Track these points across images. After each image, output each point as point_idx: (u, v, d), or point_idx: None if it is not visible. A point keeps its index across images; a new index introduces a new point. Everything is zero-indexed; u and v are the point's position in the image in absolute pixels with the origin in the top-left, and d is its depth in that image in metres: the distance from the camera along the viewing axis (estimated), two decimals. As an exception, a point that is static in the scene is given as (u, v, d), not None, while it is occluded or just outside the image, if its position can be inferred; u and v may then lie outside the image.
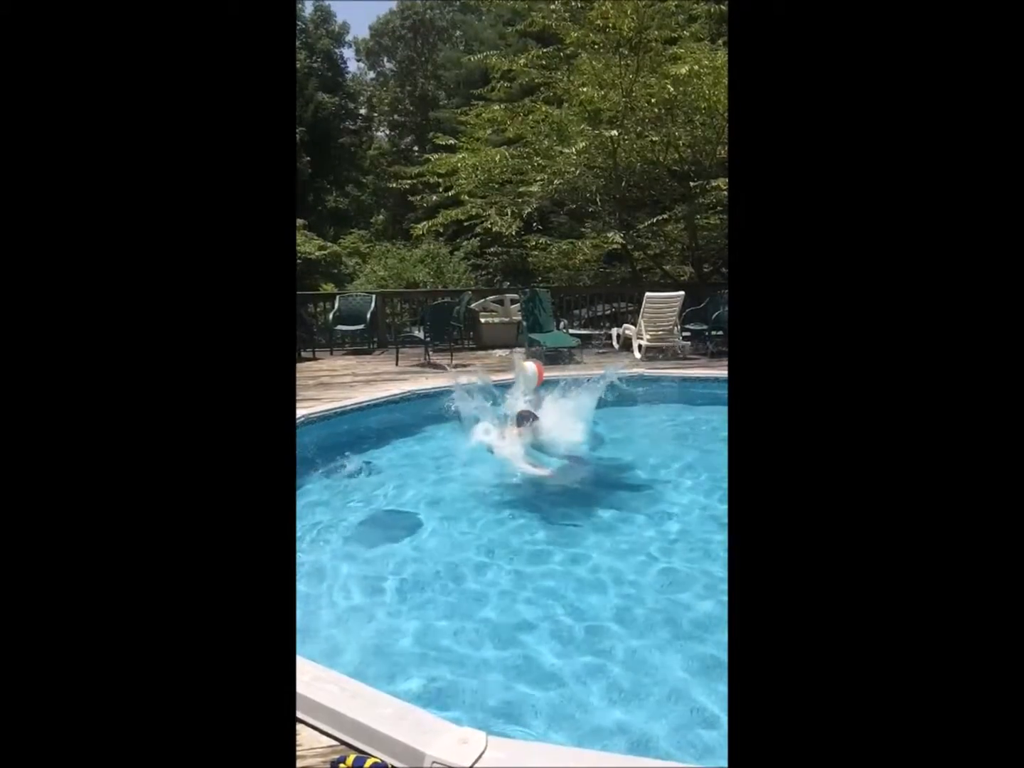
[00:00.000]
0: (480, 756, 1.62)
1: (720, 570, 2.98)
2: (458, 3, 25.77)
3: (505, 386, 4.93)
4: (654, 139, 10.13)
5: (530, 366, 4.89)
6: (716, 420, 5.17)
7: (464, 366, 7.79)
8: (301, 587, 2.74)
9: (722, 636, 2.49)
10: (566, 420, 4.31)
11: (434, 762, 1.62)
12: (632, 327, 8.46)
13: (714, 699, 2.16)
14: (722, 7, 10.80)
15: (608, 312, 10.47)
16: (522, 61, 10.75)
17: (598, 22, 9.42)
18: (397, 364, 7.89)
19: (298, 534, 3.27)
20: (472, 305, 9.33)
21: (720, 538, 3.28)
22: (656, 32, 9.53)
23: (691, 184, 10.59)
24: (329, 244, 17.46)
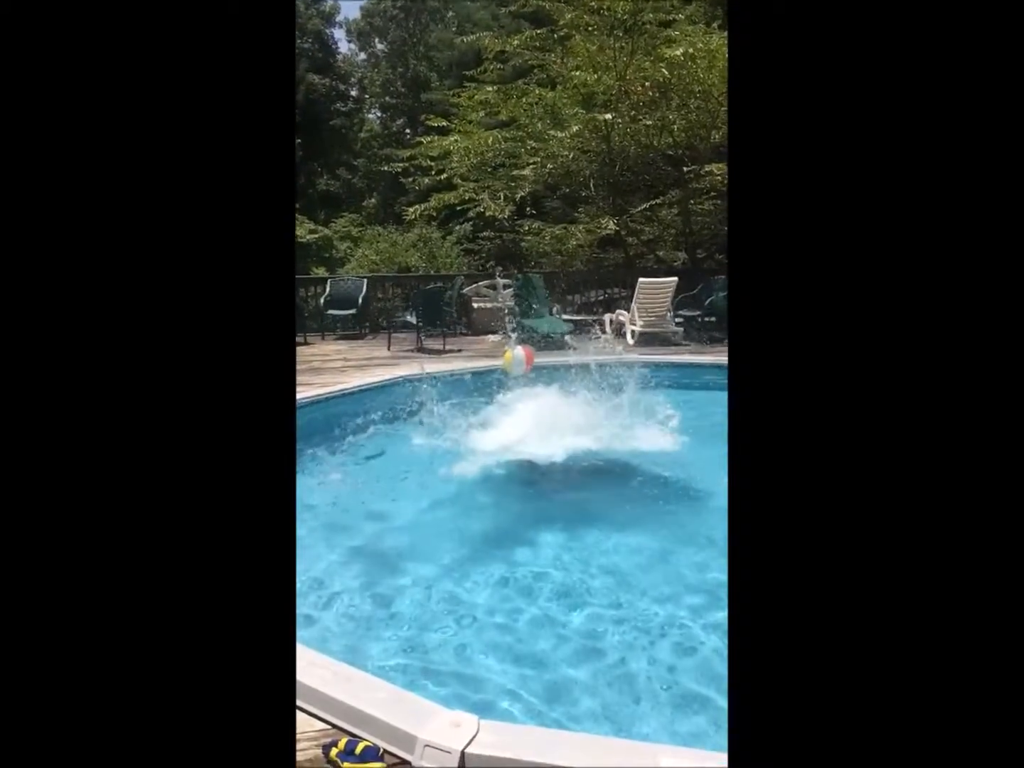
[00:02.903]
0: (472, 739, 1.62)
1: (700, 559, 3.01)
2: (451, -17, 25.46)
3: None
4: (648, 123, 10.06)
5: (519, 350, 4.88)
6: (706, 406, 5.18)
7: (456, 351, 7.77)
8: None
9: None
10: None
11: (426, 745, 1.62)
12: (625, 313, 8.44)
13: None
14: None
15: (601, 298, 10.45)
16: (515, 42, 10.63)
17: (592, 3, 9.32)
18: (389, 349, 7.86)
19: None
20: (464, 290, 9.30)
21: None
22: (651, 15, 9.44)
23: (685, 169, 10.55)
24: (320, 228, 17.30)
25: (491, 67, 11.63)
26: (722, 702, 2.06)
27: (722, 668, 2.23)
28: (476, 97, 11.38)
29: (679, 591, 2.76)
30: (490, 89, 11.17)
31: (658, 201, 11.12)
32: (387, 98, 26.18)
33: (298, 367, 6.53)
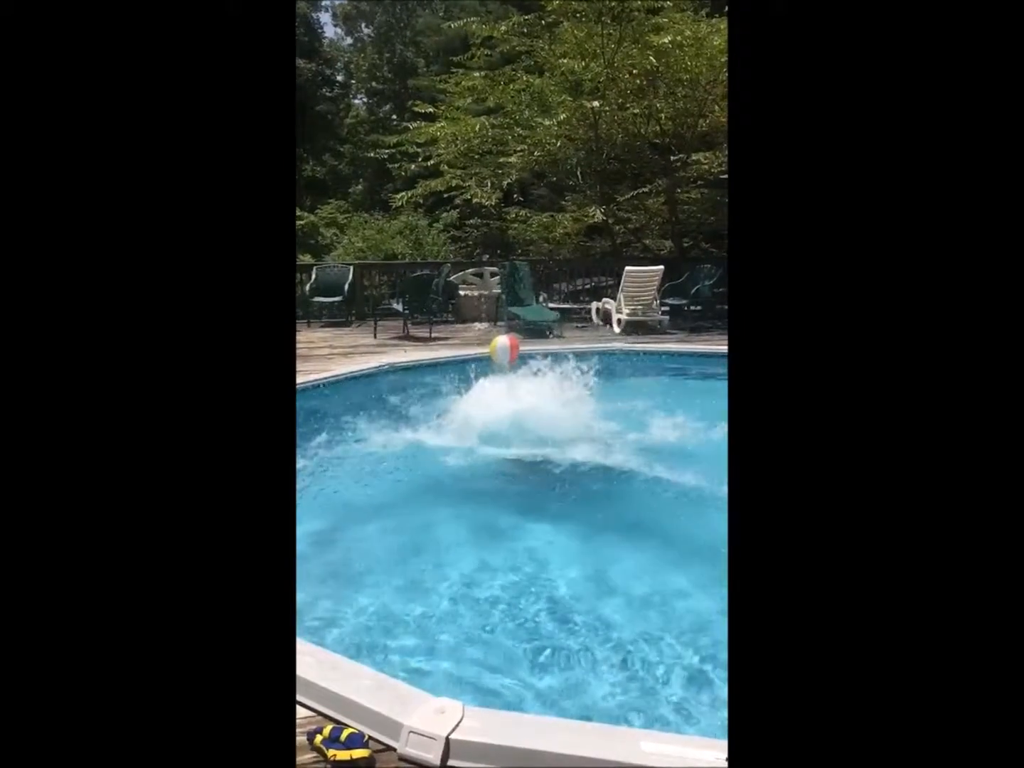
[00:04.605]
0: (456, 726, 1.63)
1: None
2: (438, -33, 25.12)
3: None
4: (635, 111, 10.03)
5: (503, 339, 4.85)
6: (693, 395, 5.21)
7: (443, 339, 7.75)
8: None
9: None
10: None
11: (411, 732, 1.63)
12: (612, 301, 8.45)
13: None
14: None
15: (588, 286, 10.45)
16: (503, 28, 10.54)
17: (580, -11, 9.26)
18: (375, 337, 7.83)
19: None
20: (451, 278, 9.26)
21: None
22: (639, 2, 9.39)
23: (672, 158, 10.54)
24: (306, 214, 17.13)
25: (478, 53, 11.54)
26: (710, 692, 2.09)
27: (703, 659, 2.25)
28: (463, 83, 11.30)
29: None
30: (477, 75, 11.09)
31: (645, 189, 11.12)
32: (373, 84, 25.90)
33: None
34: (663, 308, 8.46)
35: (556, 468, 3.86)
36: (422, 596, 2.64)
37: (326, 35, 26.71)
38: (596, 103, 9.56)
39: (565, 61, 10.02)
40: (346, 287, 9.09)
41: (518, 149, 10.51)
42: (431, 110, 11.55)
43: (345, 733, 1.65)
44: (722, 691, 1.95)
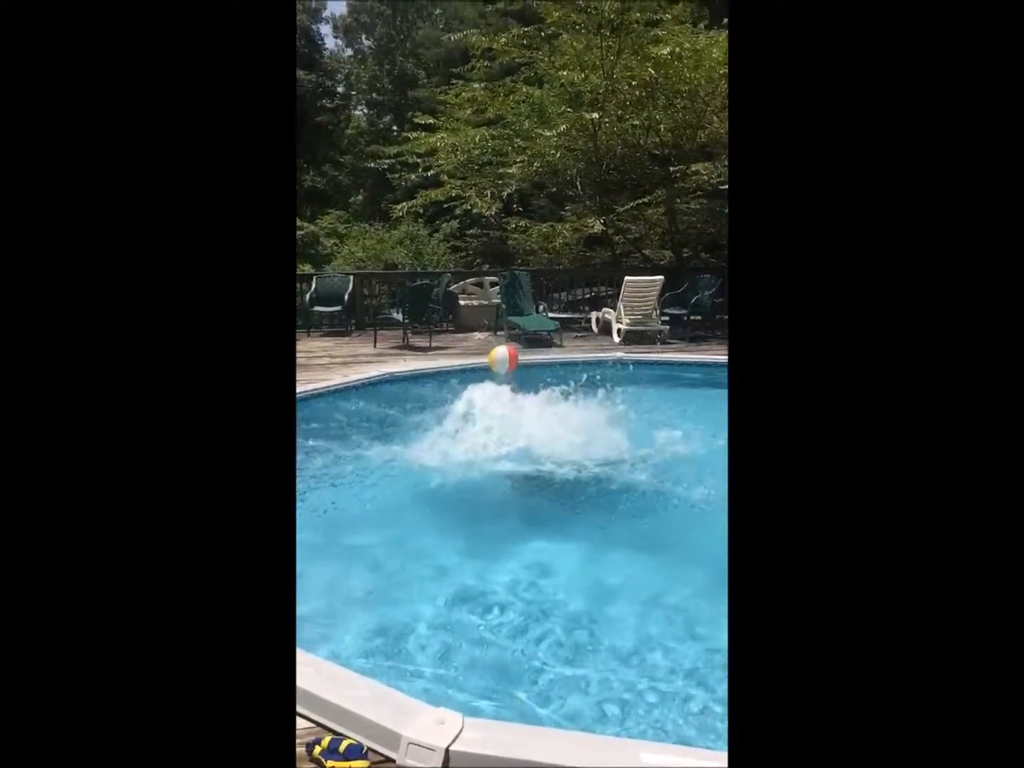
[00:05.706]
0: (456, 737, 1.62)
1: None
2: (438, -20, 25.31)
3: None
4: (635, 123, 10.08)
5: (502, 349, 4.85)
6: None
7: (443, 349, 7.76)
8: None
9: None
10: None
11: (410, 743, 1.62)
12: (611, 311, 8.46)
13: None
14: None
15: (588, 296, 10.47)
16: (503, 40, 10.61)
17: (579, 2, 9.32)
18: (375, 346, 7.83)
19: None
20: (451, 287, 9.28)
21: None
22: (637, 14, 9.46)
23: (671, 168, 10.58)
24: (306, 224, 17.20)
25: (478, 65, 11.60)
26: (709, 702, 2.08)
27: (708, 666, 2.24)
28: (463, 95, 11.35)
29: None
30: (477, 87, 11.15)
31: (644, 200, 11.14)
32: (374, 95, 26.04)
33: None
34: (663, 318, 8.47)
35: (557, 478, 3.85)
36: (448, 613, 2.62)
37: (326, 47, 26.90)
38: (595, 114, 9.60)
39: (564, 73, 10.07)
40: (346, 296, 9.10)
41: (518, 160, 10.55)
42: (431, 121, 11.60)
43: (344, 744, 1.64)
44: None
